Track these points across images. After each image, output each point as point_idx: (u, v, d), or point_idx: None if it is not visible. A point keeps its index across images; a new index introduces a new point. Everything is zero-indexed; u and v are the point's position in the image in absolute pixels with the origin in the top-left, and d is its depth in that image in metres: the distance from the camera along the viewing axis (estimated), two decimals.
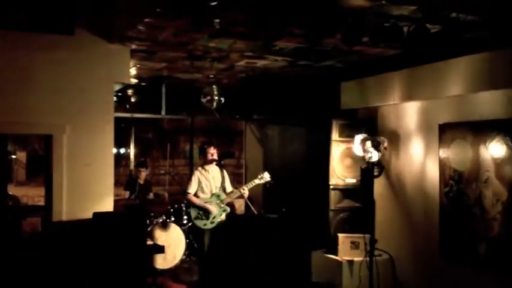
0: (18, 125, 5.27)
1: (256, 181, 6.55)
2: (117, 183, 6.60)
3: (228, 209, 6.46)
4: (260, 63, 6.32)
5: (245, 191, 6.39)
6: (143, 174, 8.38)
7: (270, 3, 3.96)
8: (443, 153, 5.67)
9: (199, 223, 6.30)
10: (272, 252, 7.14)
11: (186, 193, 6.42)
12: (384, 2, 3.78)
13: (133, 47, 5.50)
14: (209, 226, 6.29)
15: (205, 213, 6.29)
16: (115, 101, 5.80)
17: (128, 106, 8.48)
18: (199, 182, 6.37)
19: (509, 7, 3.91)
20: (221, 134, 10.73)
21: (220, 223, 6.35)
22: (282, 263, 6.95)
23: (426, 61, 5.48)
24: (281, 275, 6.82)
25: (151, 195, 8.28)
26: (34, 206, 8.77)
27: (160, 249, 6.31)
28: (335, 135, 6.56)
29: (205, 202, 6.33)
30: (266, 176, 6.55)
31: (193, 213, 6.33)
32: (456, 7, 3.95)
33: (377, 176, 6.28)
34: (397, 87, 6.05)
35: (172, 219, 7.40)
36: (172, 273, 7.11)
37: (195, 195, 6.37)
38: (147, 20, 4.47)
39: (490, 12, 4.04)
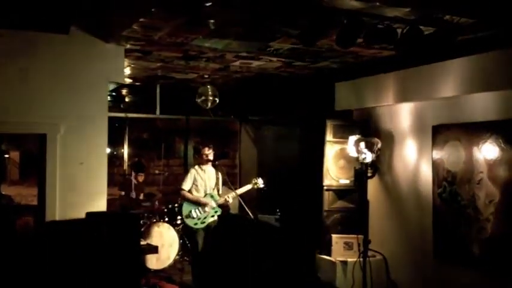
0: (12, 124, 5.25)
1: (249, 186, 6.62)
2: (110, 183, 6.58)
3: (220, 211, 6.45)
4: (255, 63, 6.33)
5: (229, 199, 6.40)
6: (140, 178, 8.42)
7: (265, 4, 3.97)
8: (437, 154, 5.69)
9: (190, 222, 6.30)
10: (266, 253, 7.14)
11: (180, 189, 6.43)
12: (378, 3, 3.79)
13: (128, 46, 5.50)
14: (200, 226, 6.28)
15: (199, 209, 6.27)
16: (109, 101, 5.79)
17: (122, 106, 8.46)
18: (195, 180, 6.38)
19: (501, 10, 3.93)
20: (216, 134, 10.69)
21: (211, 224, 6.35)
22: (276, 263, 6.95)
23: (420, 63, 5.50)
24: (275, 275, 6.81)
25: (141, 196, 8.28)
26: (27, 206, 8.72)
27: (154, 250, 6.31)
28: (329, 136, 6.58)
29: None
30: (259, 182, 6.59)
31: (185, 211, 6.32)
32: (449, 9, 3.96)
33: (371, 177, 6.30)
34: (392, 89, 6.07)
35: (166, 219, 7.40)
36: (166, 273, 7.11)
37: (189, 193, 6.38)
38: (142, 19, 4.47)
39: (482, 14, 4.06)
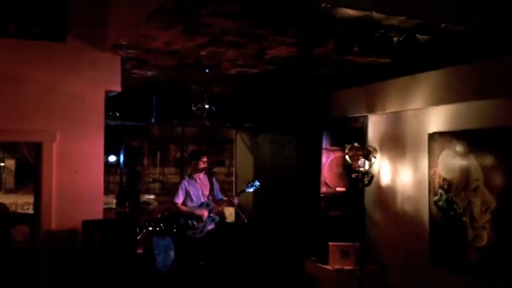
0: (7, 133, 5.23)
1: (247, 189, 6.62)
2: (106, 191, 6.55)
3: (217, 218, 6.43)
4: (251, 71, 6.34)
5: (235, 198, 6.42)
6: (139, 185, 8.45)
7: (261, 12, 3.98)
8: (433, 162, 5.71)
9: (189, 232, 6.28)
10: (263, 262, 7.12)
11: (173, 203, 6.41)
12: (373, 12, 3.81)
13: (124, 55, 5.50)
14: (198, 235, 6.26)
15: (195, 220, 6.25)
16: (105, 109, 5.78)
17: (118, 114, 8.45)
18: (187, 192, 6.35)
19: (497, 19, 3.97)
20: (211, 142, 10.69)
21: (210, 232, 6.33)
22: (273, 273, 6.93)
23: (417, 71, 5.53)
24: (272, 285, 6.80)
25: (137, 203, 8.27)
26: (23, 214, 8.68)
27: (151, 258, 6.28)
28: (326, 144, 6.59)
29: None
30: (256, 184, 6.58)
31: (183, 222, 6.31)
32: (445, 17, 3.99)
33: (367, 185, 6.32)
34: (388, 97, 6.10)
35: (162, 227, 7.36)
36: (162, 282, 7.07)
37: (184, 204, 6.35)
38: (138, 29, 4.48)
39: (479, 23, 4.09)
